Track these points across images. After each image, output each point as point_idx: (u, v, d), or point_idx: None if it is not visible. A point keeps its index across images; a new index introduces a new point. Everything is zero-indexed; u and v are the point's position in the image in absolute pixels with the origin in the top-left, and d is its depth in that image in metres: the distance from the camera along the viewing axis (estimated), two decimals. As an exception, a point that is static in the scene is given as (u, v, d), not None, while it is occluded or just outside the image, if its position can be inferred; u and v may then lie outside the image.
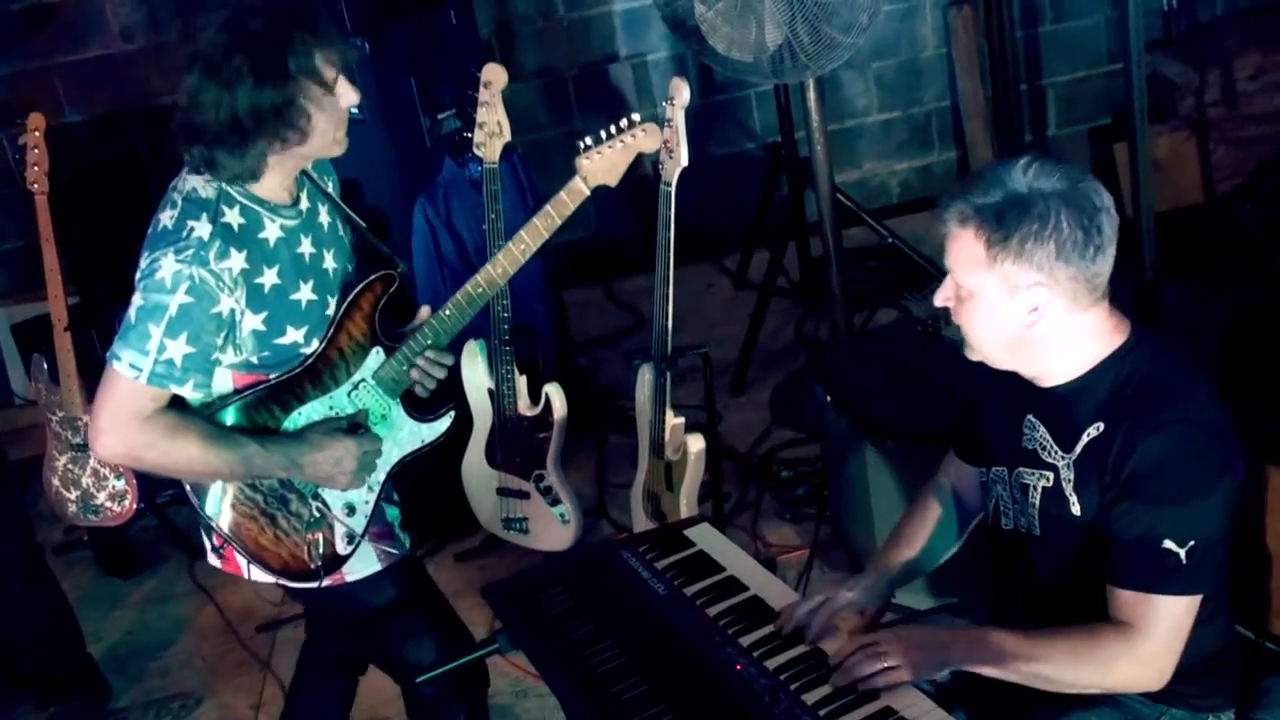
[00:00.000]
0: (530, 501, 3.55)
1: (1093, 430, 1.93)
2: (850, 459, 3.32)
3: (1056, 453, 1.98)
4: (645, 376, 3.26)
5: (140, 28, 5.14)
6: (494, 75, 3.18)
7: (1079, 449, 1.95)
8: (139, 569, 4.16)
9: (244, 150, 2.10)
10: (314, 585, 2.35)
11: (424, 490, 3.84)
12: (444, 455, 3.70)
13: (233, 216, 2.14)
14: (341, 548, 2.36)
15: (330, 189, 2.42)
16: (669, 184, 3.02)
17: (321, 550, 2.33)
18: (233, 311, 2.12)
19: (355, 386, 2.33)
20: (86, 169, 4.75)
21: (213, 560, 2.42)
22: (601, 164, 2.57)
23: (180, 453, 2.13)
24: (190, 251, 2.07)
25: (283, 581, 2.38)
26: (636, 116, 2.61)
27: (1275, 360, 2.99)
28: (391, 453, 2.41)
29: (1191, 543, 1.83)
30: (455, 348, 2.51)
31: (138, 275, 2.11)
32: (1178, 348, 2.01)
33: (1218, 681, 2.02)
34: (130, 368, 2.07)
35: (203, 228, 2.09)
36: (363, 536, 2.38)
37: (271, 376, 2.24)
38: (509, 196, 3.29)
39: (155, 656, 3.76)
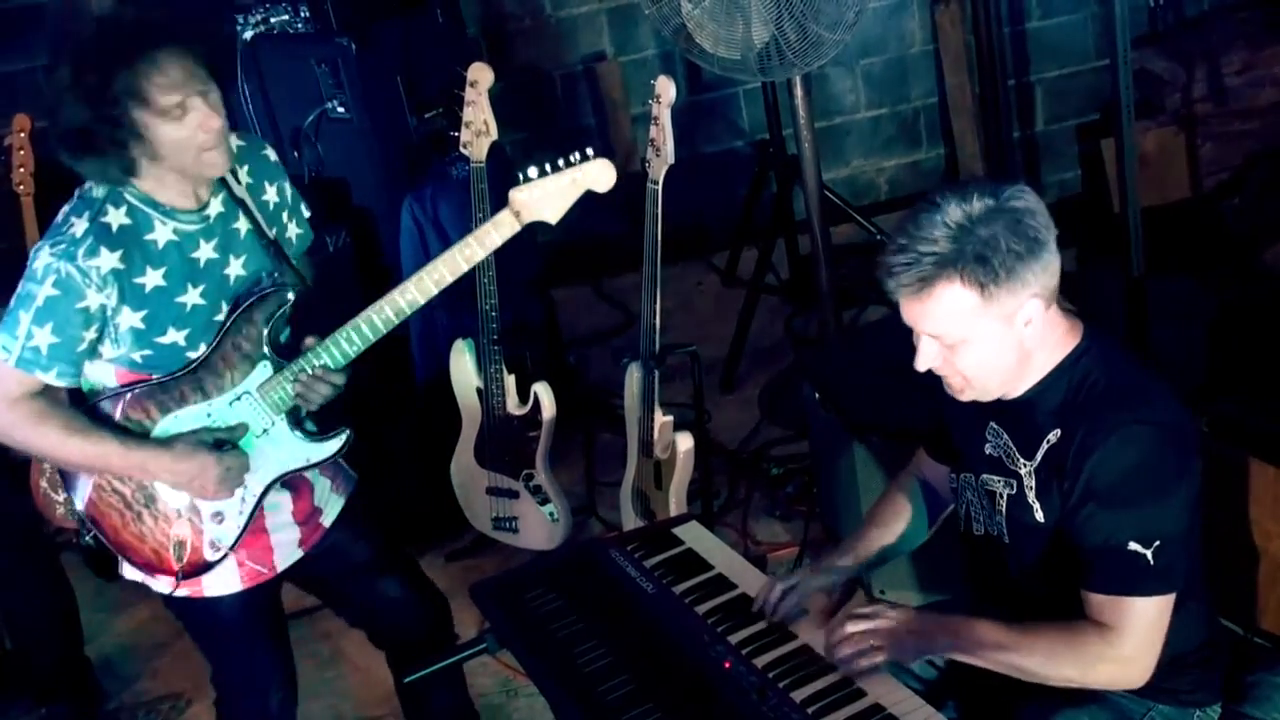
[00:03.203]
0: (519, 501, 3.54)
1: (1051, 436, 1.93)
2: (838, 456, 3.32)
3: (1019, 460, 1.99)
4: (634, 375, 3.26)
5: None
6: (480, 74, 3.17)
7: (1039, 456, 1.95)
8: (128, 571, 4.14)
9: (91, 158, 2.12)
10: (171, 587, 2.37)
11: (413, 490, 3.86)
12: (433, 455, 3.72)
13: (116, 217, 2.18)
14: (208, 554, 2.37)
15: (273, 193, 2.41)
16: (656, 182, 3.03)
17: (186, 553, 2.35)
18: (103, 308, 2.16)
19: (238, 398, 2.31)
20: (71, 170, 4.72)
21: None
22: (541, 198, 2.39)
23: (41, 439, 2.21)
24: (62, 247, 2.14)
25: (147, 579, 2.40)
26: (590, 150, 2.42)
27: (1260, 355, 3.00)
28: (269, 469, 2.37)
29: (1157, 543, 1.84)
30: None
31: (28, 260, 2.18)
32: (1129, 349, 2.02)
33: (1204, 676, 2.03)
34: (1, 349, 2.15)
35: (80, 225, 2.15)
36: (231, 548, 2.37)
37: (154, 377, 2.26)
38: (496, 195, 3.28)
39: (145, 658, 3.75)
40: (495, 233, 2.37)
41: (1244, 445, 2.33)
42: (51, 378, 2.18)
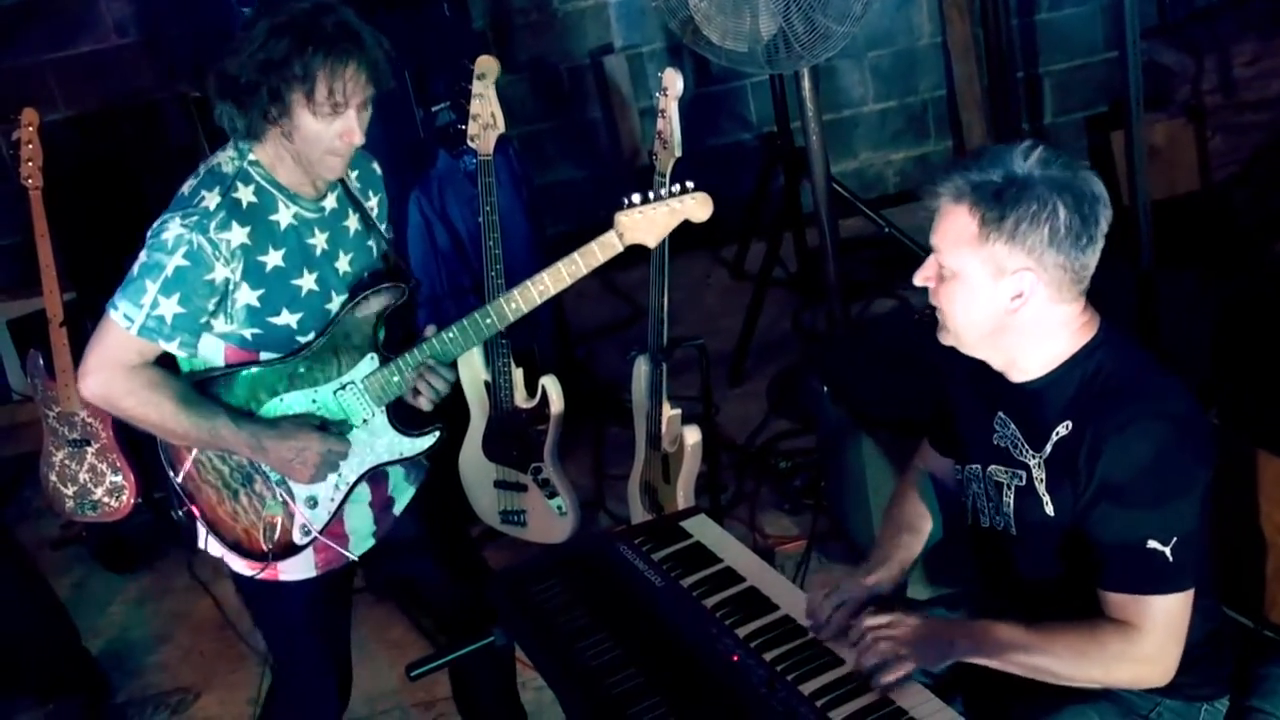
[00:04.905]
0: (528, 494, 3.55)
1: (1061, 429, 1.92)
2: (847, 449, 3.31)
3: (1027, 451, 1.98)
4: (641, 368, 3.26)
5: (134, 22, 5.12)
6: (487, 67, 3.17)
7: (1049, 448, 1.94)
8: (136, 564, 4.16)
9: (230, 104, 2.19)
10: (260, 568, 2.42)
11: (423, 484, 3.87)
12: (441, 448, 3.72)
13: (245, 194, 2.25)
14: (297, 537, 2.41)
15: (374, 205, 2.48)
16: (663, 175, 3.02)
17: (276, 535, 2.39)
18: (227, 281, 2.21)
19: (343, 387, 2.37)
20: (80, 164, 4.73)
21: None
22: (642, 223, 2.42)
23: (153, 408, 2.24)
24: (195, 219, 2.19)
25: (230, 557, 2.45)
26: (691, 184, 2.43)
27: (1268, 347, 2.99)
28: (365, 458, 2.43)
29: (1175, 539, 1.83)
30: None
31: (149, 232, 2.23)
32: (1142, 344, 2.00)
33: (1211, 670, 2.02)
34: (124, 318, 2.20)
35: (212, 199, 2.21)
36: (320, 532, 2.41)
37: (262, 357, 2.31)
38: (503, 188, 3.28)
39: (153, 651, 3.76)
40: (599, 252, 2.42)
41: (1252, 437, 2.32)
42: (174, 346, 2.23)
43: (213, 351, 2.30)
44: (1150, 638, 1.86)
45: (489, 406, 3.49)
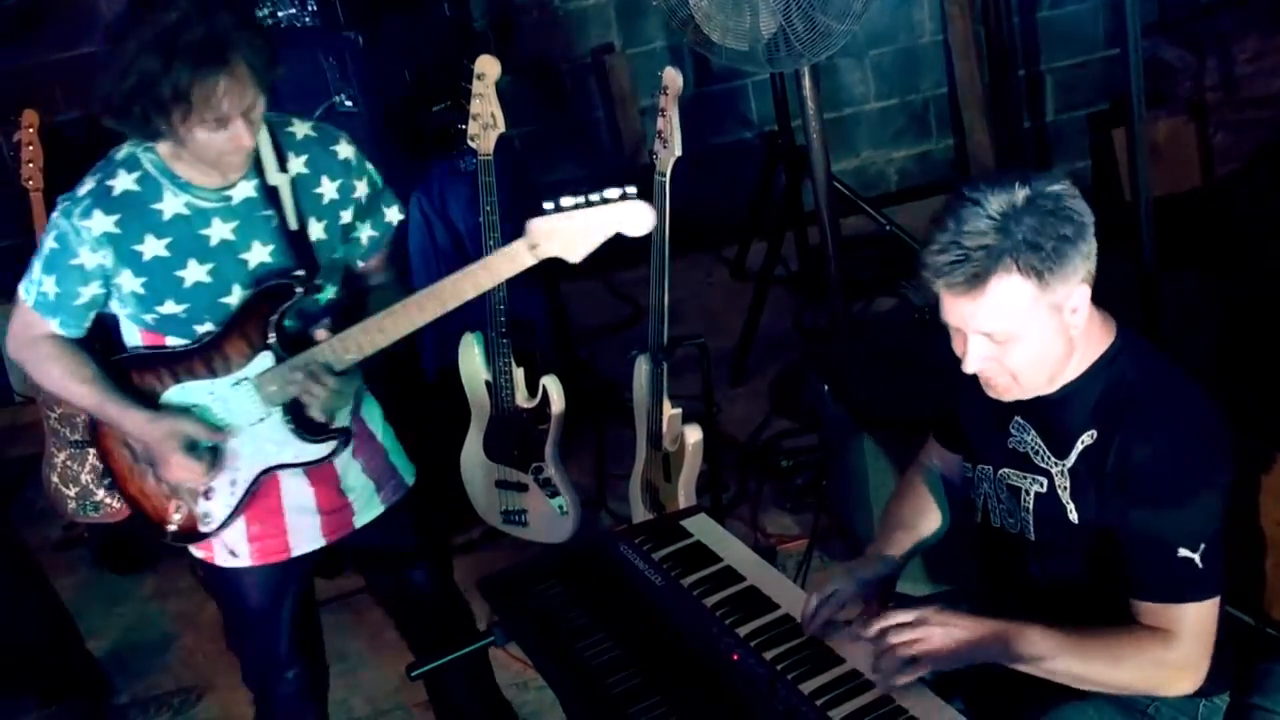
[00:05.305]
0: (529, 494, 3.54)
1: (1086, 437, 1.91)
2: (848, 447, 3.31)
3: (1049, 458, 1.96)
4: (642, 368, 3.26)
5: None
6: (487, 67, 3.16)
7: (1074, 456, 1.92)
8: (139, 565, 4.16)
9: (122, 121, 2.17)
10: (169, 537, 2.47)
11: (423, 483, 3.86)
12: (442, 448, 3.72)
13: (125, 181, 2.25)
14: (201, 525, 2.44)
15: (332, 189, 2.36)
16: (663, 174, 3.02)
17: (181, 515, 2.44)
18: (101, 267, 2.24)
19: (239, 382, 2.33)
20: (81, 166, 4.73)
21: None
22: (563, 231, 2.12)
23: (46, 375, 2.36)
24: (67, 204, 2.26)
25: (192, 545, 2.51)
26: (632, 190, 2.12)
27: (1270, 345, 2.99)
28: (260, 458, 2.39)
29: (1203, 545, 1.83)
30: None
31: None
32: (1160, 349, 1.98)
33: (1212, 666, 2.02)
34: (24, 291, 2.31)
35: (86, 186, 2.26)
36: (222, 525, 2.43)
37: (168, 342, 2.33)
38: (502, 189, 3.27)
39: (156, 652, 3.76)
40: (507, 265, 2.20)
41: (1255, 435, 2.32)
42: (56, 326, 2.30)
43: (129, 333, 2.36)
44: (1184, 645, 1.85)
45: (490, 406, 3.48)
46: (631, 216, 2.12)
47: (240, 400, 2.34)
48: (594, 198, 2.10)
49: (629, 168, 5.41)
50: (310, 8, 3.94)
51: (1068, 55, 5.52)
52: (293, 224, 2.31)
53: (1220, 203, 4.71)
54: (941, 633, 1.88)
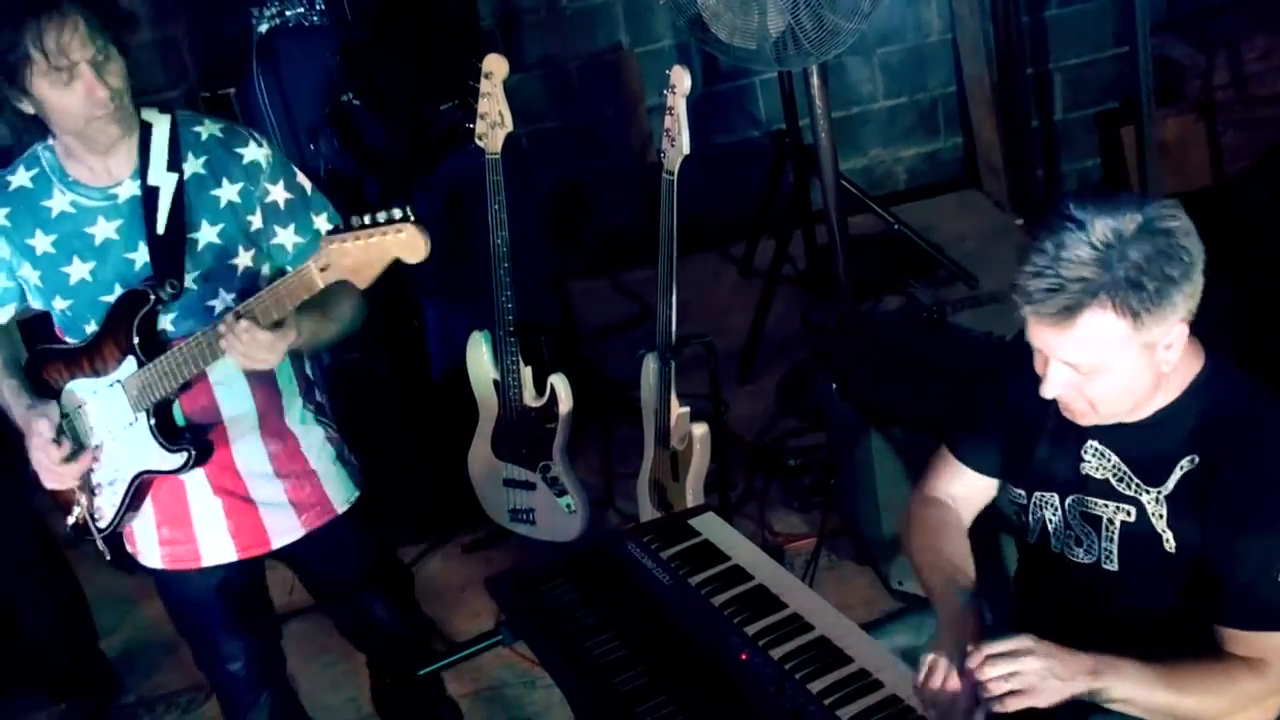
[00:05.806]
0: (537, 493, 3.54)
1: (1186, 463, 1.85)
2: (856, 446, 3.31)
3: (1139, 486, 1.89)
4: (649, 366, 3.26)
5: (146, 23, 5.12)
6: (495, 66, 3.16)
7: (1172, 483, 1.86)
8: (146, 563, 4.16)
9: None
10: (70, 527, 2.51)
11: (431, 482, 3.87)
12: (450, 447, 3.72)
13: (22, 177, 2.30)
14: (95, 520, 2.46)
15: (232, 192, 2.30)
16: (671, 173, 3.01)
17: (80, 510, 2.47)
18: (2, 259, 2.31)
19: (113, 384, 2.33)
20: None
21: None
22: (354, 252, 2.03)
23: None
24: None
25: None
26: (399, 213, 2.00)
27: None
28: (133, 462, 2.37)
29: None
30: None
31: None
32: (1248, 372, 1.92)
33: None
34: None
35: None
36: (112, 525, 2.44)
37: (66, 339, 2.37)
38: (510, 188, 3.27)
39: (163, 651, 3.75)
40: (300, 288, 2.09)
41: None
42: None
43: (52, 325, 2.40)
44: (1275, 673, 1.79)
45: (498, 405, 3.48)
46: (409, 242, 2.01)
47: (114, 402, 2.33)
48: (381, 217, 2.00)
49: (637, 166, 5.41)
50: (318, 6, 3.95)
51: (1077, 54, 5.50)
52: (161, 227, 2.24)
53: (1230, 201, 4.70)
54: (1041, 666, 1.74)
